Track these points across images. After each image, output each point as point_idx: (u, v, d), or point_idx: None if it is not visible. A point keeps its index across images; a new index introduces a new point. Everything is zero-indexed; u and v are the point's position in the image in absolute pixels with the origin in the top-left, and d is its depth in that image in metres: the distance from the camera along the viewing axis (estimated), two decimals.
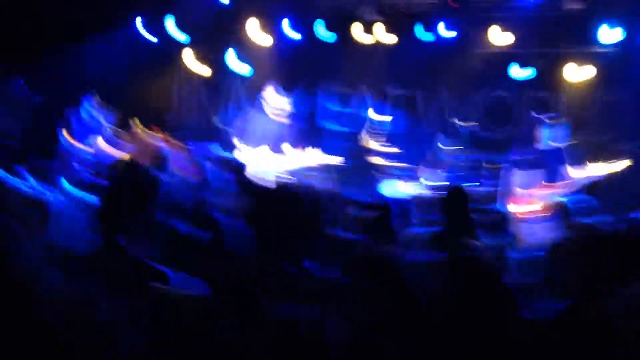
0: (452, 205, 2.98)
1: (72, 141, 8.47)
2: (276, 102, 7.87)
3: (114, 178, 2.41)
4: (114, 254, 2.23)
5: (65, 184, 4.90)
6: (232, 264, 3.20)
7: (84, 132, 8.51)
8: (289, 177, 7.44)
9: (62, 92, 9.58)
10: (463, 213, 2.83)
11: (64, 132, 8.50)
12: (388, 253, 1.96)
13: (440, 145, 8.88)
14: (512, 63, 9.39)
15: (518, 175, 6.98)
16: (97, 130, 8.51)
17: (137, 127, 9.70)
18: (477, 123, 9.76)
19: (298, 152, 7.88)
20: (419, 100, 10.16)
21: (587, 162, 7.21)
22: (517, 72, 9.37)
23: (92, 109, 8.55)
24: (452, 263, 1.93)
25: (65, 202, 3.35)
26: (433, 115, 10.11)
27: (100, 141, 8.44)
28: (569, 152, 7.21)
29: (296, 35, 10.01)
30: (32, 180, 4.36)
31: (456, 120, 8.77)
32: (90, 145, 8.41)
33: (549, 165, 6.87)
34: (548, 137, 6.93)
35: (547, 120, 6.93)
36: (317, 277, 2.46)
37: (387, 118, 10.16)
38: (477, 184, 8.54)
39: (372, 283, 1.82)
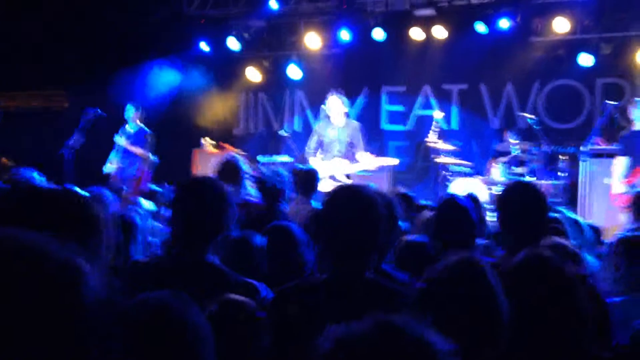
0: (524, 202, 2.87)
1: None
2: (337, 108, 7.87)
3: (188, 195, 2.48)
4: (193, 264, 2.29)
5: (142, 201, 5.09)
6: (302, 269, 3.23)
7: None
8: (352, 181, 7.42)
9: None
10: (537, 210, 2.71)
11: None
12: (463, 257, 1.89)
13: (509, 140, 8.64)
14: (578, 50, 9.05)
15: (615, 164, 6.56)
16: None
17: (208, 144, 9.94)
18: (545, 114, 9.47)
19: (363, 155, 7.86)
20: (484, 95, 9.94)
21: None
22: (584, 59, 9.01)
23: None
24: (529, 266, 1.82)
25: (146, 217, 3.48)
26: (499, 109, 9.87)
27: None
28: None
29: (351, 39, 9.99)
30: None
31: (524, 113, 8.50)
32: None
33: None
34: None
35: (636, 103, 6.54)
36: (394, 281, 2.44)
37: (451, 115, 10.00)
38: (552, 178, 8.26)
39: (449, 289, 1.76)
